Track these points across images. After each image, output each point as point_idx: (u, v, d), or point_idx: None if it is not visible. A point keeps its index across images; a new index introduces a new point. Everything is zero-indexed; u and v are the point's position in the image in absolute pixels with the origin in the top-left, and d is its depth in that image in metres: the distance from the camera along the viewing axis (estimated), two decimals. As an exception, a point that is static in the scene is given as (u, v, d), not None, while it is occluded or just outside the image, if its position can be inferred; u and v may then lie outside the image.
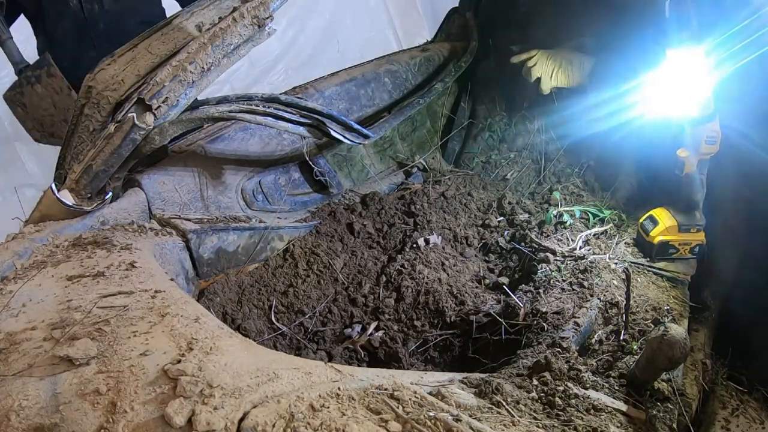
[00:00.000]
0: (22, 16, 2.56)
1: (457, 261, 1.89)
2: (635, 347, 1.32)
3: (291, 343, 1.66)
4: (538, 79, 2.11)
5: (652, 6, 1.70)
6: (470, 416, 0.90)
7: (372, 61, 2.38)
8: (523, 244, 1.89)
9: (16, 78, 2.33)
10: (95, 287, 1.15)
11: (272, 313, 1.70)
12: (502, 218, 2.07)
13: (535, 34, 2.34)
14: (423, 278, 1.74)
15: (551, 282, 1.65)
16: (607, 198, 2.07)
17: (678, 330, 1.09)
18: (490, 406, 0.99)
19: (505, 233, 2.00)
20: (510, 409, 1.00)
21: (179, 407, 0.81)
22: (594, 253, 1.72)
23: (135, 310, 1.06)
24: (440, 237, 1.94)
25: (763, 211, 1.74)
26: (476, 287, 1.78)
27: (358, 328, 1.69)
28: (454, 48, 2.57)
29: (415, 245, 1.88)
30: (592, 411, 1.07)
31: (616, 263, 1.67)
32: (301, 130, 1.71)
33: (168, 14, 2.28)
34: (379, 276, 1.82)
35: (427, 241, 1.90)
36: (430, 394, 0.94)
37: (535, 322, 1.48)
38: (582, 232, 1.85)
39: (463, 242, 1.99)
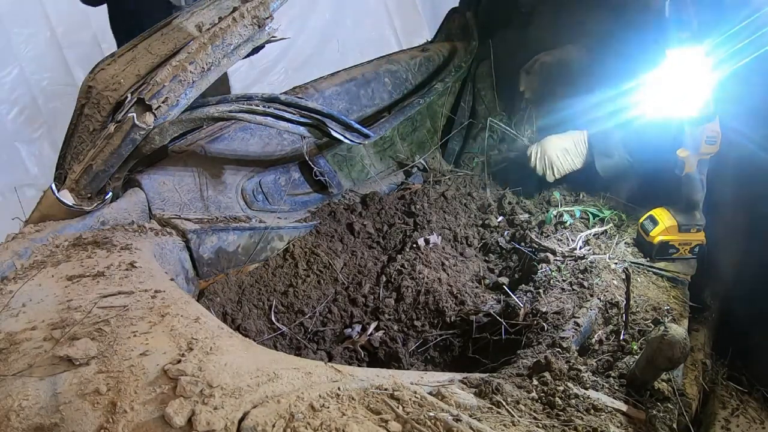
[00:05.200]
0: None
1: (457, 261, 1.89)
2: (635, 347, 1.32)
3: (291, 343, 1.66)
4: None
5: (652, 6, 1.70)
6: (470, 416, 0.90)
7: (372, 61, 2.38)
8: (523, 244, 1.89)
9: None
10: (95, 287, 1.15)
11: (272, 313, 1.70)
12: (502, 218, 2.07)
13: (535, 34, 2.34)
14: (423, 278, 1.74)
15: (551, 282, 1.65)
16: (607, 198, 2.07)
17: (678, 330, 1.09)
18: (490, 406, 0.99)
19: (505, 233, 2.00)
20: (510, 409, 1.00)
21: (179, 407, 0.81)
22: (594, 253, 1.72)
23: (135, 310, 1.06)
24: (440, 237, 1.94)
25: (763, 211, 1.74)
26: (476, 287, 1.77)
27: (358, 328, 1.68)
28: (454, 48, 2.56)
29: (415, 245, 1.88)
30: (592, 411, 1.07)
31: (616, 263, 1.67)
32: (302, 130, 1.71)
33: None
34: (379, 276, 1.82)
35: (427, 241, 1.89)
36: (430, 394, 0.94)
37: (535, 322, 1.48)
38: (582, 232, 1.85)
39: (463, 242, 1.99)
